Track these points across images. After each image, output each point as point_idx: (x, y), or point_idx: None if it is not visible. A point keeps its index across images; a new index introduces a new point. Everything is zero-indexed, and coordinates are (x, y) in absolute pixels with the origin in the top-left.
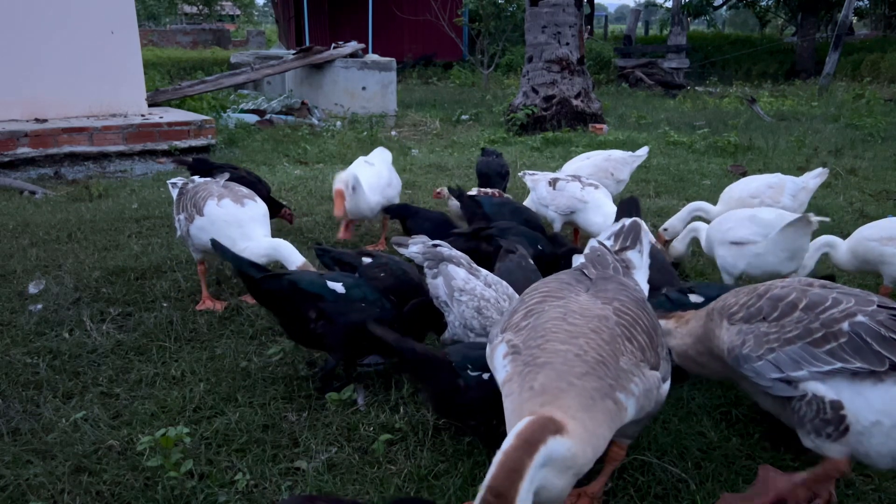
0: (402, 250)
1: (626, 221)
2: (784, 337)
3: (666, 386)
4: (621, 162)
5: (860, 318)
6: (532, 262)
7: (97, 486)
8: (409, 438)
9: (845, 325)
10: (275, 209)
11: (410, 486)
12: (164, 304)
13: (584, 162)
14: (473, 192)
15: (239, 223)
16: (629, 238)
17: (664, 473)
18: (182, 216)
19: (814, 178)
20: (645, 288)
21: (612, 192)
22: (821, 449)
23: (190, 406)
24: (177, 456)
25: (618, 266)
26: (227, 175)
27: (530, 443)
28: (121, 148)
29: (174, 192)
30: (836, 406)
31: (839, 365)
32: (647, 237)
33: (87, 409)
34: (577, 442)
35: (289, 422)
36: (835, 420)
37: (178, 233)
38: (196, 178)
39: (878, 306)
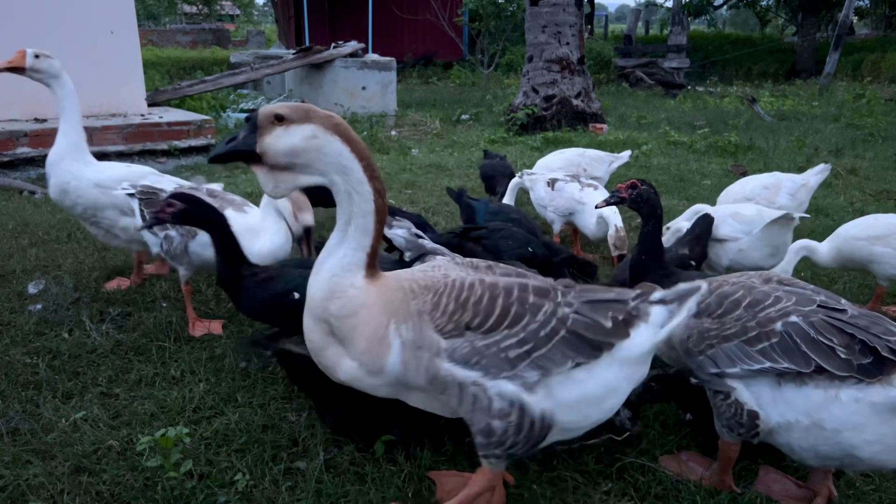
0: (385, 230)
1: (685, 286)
2: (723, 334)
3: (463, 373)
4: (597, 159)
5: (793, 318)
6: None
7: (97, 486)
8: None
9: (778, 325)
10: None
11: (410, 486)
12: (164, 305)
13: (558, 156)
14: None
15: (253, 231)
16: (669, 296)
17: (664, 473)
18: (174, 232)
19: (815, 174)
20: (644, 346)
21: None
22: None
23: (190, 406)
24: (176, 456)
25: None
26: (201, 178)
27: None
28: (120, 148)
29: (134, 203)
30: (753, 415)
31: (768, 364)
32: (693, 305)
33: (87, 409)
34: (368, 291)
35: (289, 422)
36: (748, 425)
37: (159, 250)
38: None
39: (819, 306)
